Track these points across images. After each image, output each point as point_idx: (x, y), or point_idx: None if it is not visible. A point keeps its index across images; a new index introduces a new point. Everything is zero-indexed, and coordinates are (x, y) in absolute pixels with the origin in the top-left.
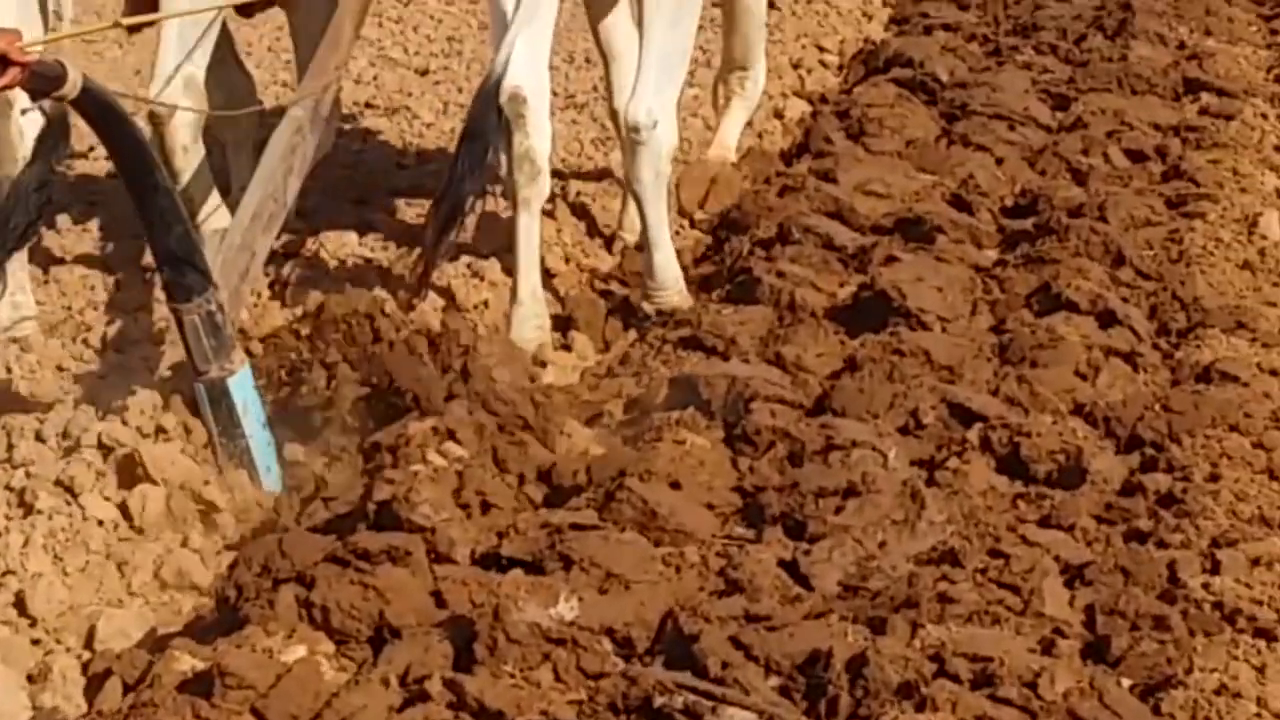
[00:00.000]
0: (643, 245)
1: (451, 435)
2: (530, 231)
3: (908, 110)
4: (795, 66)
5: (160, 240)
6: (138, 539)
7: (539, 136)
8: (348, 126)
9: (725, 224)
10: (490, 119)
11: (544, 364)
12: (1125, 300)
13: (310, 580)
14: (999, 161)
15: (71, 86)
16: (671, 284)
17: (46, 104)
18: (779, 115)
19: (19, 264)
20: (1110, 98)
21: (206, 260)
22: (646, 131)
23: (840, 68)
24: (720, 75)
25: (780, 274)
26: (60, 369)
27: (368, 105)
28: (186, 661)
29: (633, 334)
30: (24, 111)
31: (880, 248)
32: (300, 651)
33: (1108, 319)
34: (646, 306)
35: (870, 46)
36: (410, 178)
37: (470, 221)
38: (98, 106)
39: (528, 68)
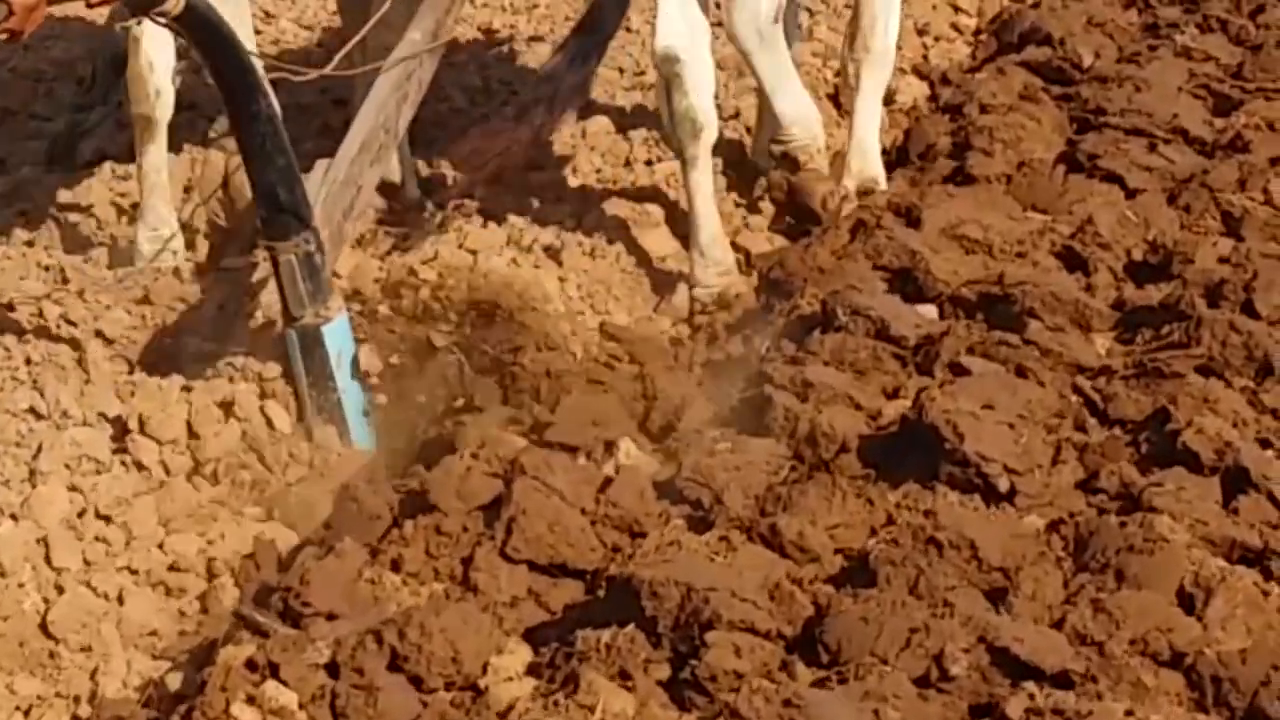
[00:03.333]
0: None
1: None
2: (701, 185)
3: (1031, 113)
4: (920, 33)
5: (259, 172)
6: None
7: (698, 94)
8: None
9: (767, 283)
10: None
11: (730, 308)
12: (1266, 445)
13: None
14: (1131, 195)
15: (174, 3)
16: (803, 129)
17: None
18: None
19: (160, 198)
20: None
21: (308, 196)
22: None
23: (977, 32)
24: (845, 39)
25: (806, 384)
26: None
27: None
28: None
29: None
30: (123, 28)
31: (950, 340)
32: None
33: (1237, 482)
34: (775, 148)
35: (1012, 7)
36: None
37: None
38: (202, 25)
39: (680, 25)
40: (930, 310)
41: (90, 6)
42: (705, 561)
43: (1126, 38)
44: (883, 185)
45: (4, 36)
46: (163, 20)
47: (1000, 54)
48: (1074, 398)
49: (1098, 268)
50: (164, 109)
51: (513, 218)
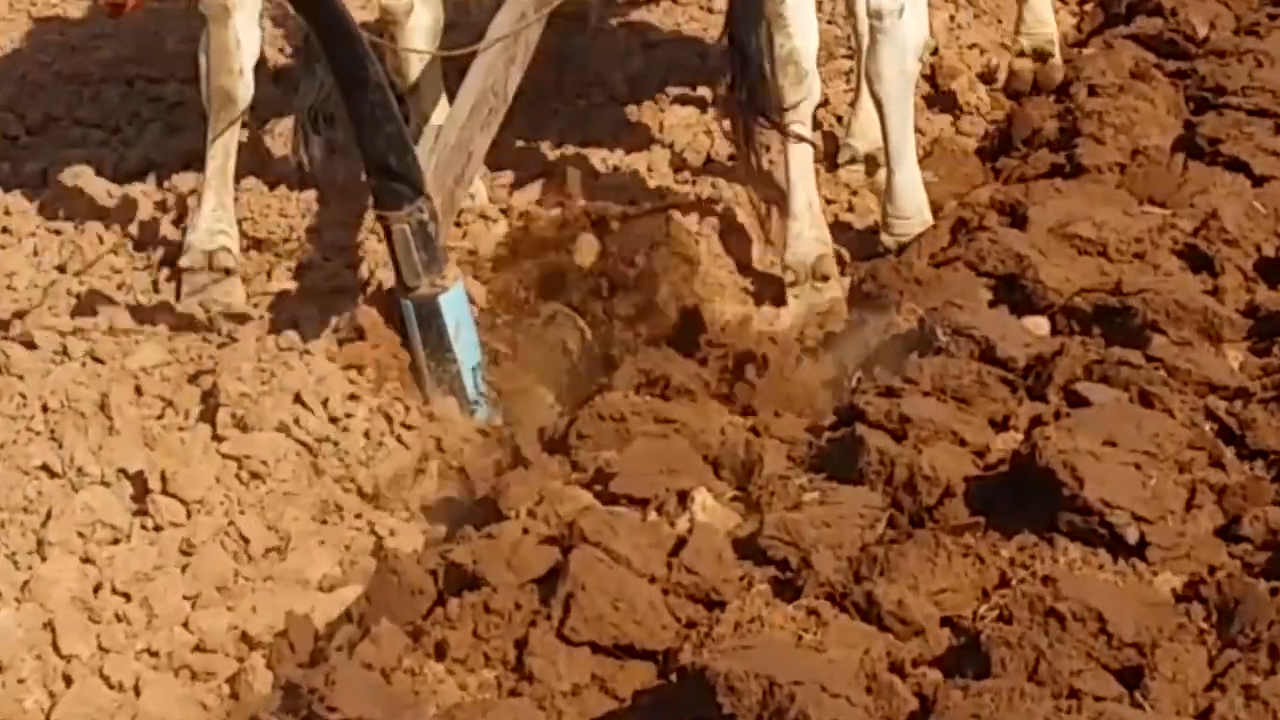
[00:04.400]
0: (881, 160)
1: None
2: (800, 142)
3: (1143, 93)
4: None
5: (369, 140)
6: None
7: (802, 36)
8: None
9: (859, 296)
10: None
11: (826, 278)
12: None
13: None
14: (1258, 183)
15: None
16: (914, 212)
17: None
18: (987, 78)
19: (223, 183)
20: None
21: (420, 163)
22: (891, 19)
23: (1083, 1)
24: None
25: (905, 420)
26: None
27: None
28: None
29: None
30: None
31: (1065, 361)
32: None
33: None
34: (885, 239)
35: None
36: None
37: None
38: None
39: None
40: (1042, 324)
41: None
42: (791, 641)
43: (1244, 5)
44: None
45: (108, 11)
46: None
47: (1107, 26)
48: (1207, 425)
49: (1225, 268)
50: (245, 89)
51: None
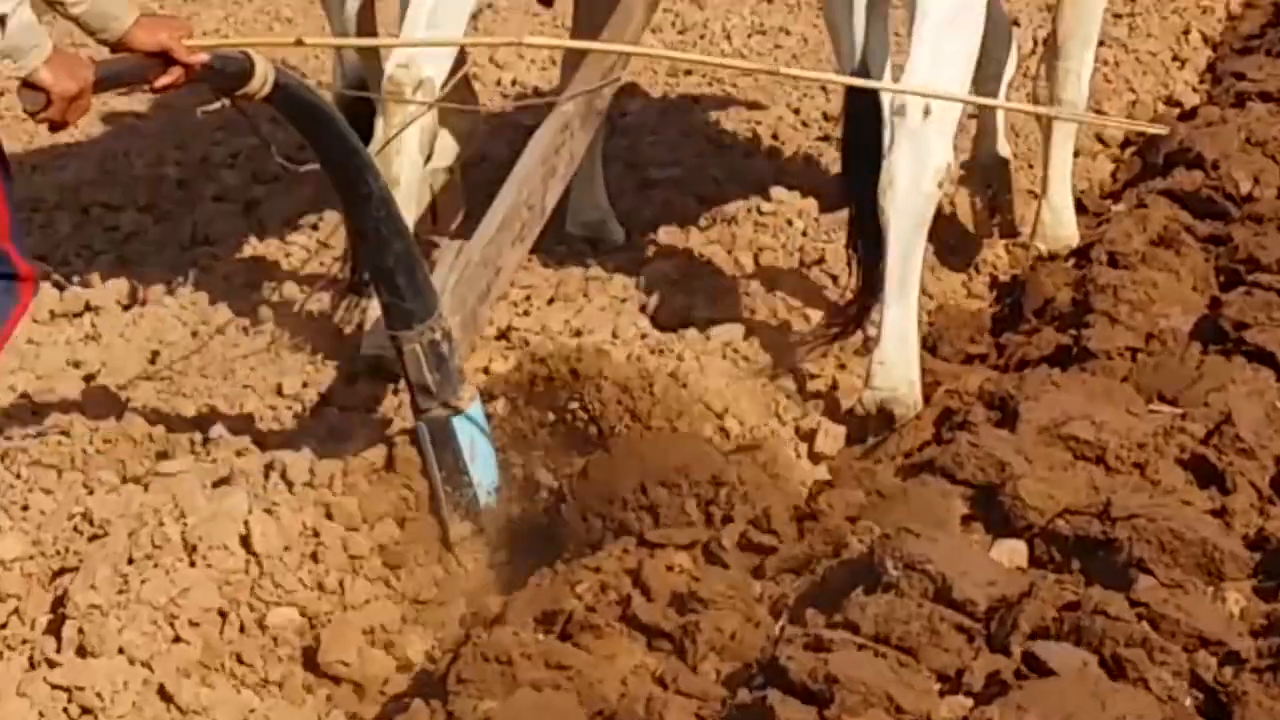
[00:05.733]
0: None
1: None
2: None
3: (1169, 263)
4: None
5: (375, 257)
6: None
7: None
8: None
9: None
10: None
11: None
12: None
13: None
14: None
15: (260, 82)
16: (901, 366)
17: None
18: (1006, 232)
19: None
20: None
21: (432, 279)
22: (915, 119)
23: (1125, 145)
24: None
25: (832, 681)
26: None
27: None
28: None
29: None
30: (203, 112)
31: (1032, 607)
32: None
33: None
34: (865, 395)
35: (1172, 116)
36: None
37: None
38: (296, 104)
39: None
40: (1018, 551)
41: (154, 92)
42: None
43: None
44: (1074, 244)
45: (45, 126)
46: (250, 102)
47: (1143, 177)
48: (1189, 699)
49: (1236, 484)
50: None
51: None
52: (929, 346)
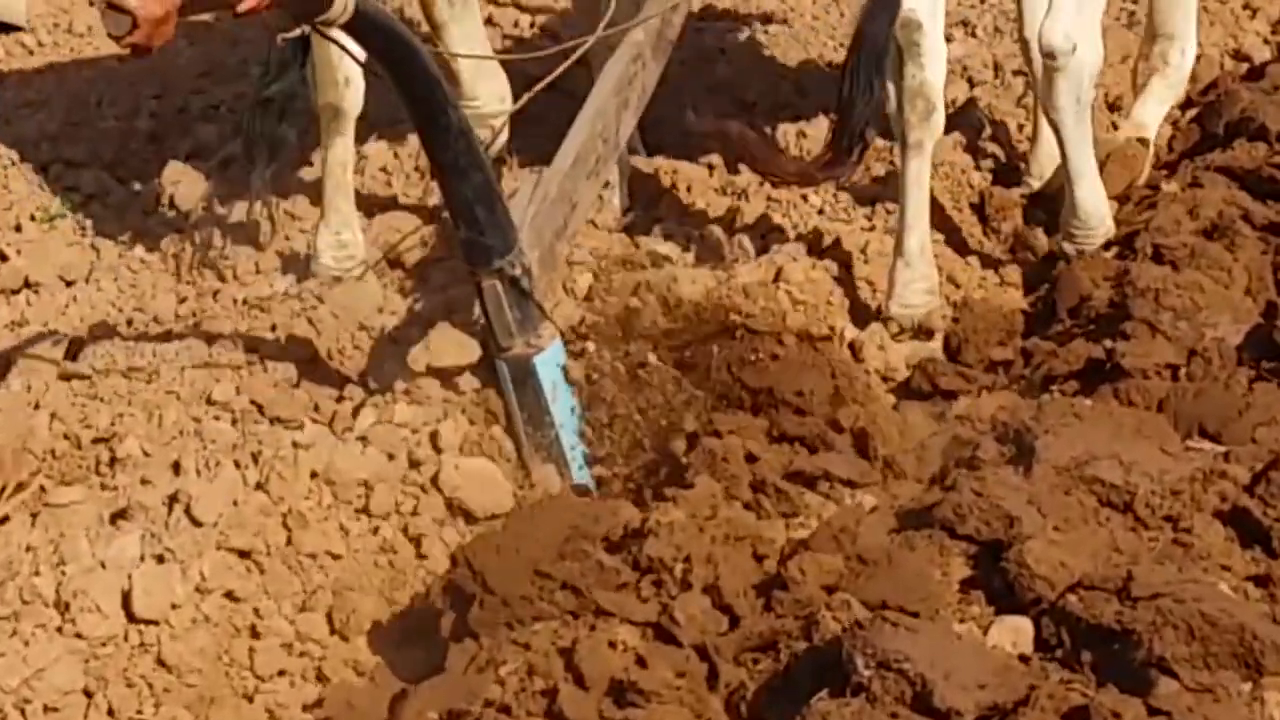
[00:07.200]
0: (1064, 181)
1: None
2: (921, 177)
3: (1220, 259)
4: (1112, 108)
5: (454, 190)
6: None
7: (933, 69)
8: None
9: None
10: (882, 42)
11: (931, 334)
12: None
13: None
14: None
15: (341, 9)
16: (1098, 221)
17: None
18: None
19: (344, 197)
20: None
21: (512, 214)
22: (1064, 57)
23: (1186, 106)
24: (1142, 48)
25: None
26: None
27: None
28: None
29: None
30: (283, 40)
31: (1030, 718)
32: None
33: None
34: (1067, 247)
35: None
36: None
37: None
38: (377, 32)
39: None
40: (1023, 631)
41: (237, 15)
42: None
43: None
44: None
45: (129, 51)
46: (331, 29)
47: (1201, 148)
48: None
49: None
50: (354, 99)
51: None
52: (952, 350)
